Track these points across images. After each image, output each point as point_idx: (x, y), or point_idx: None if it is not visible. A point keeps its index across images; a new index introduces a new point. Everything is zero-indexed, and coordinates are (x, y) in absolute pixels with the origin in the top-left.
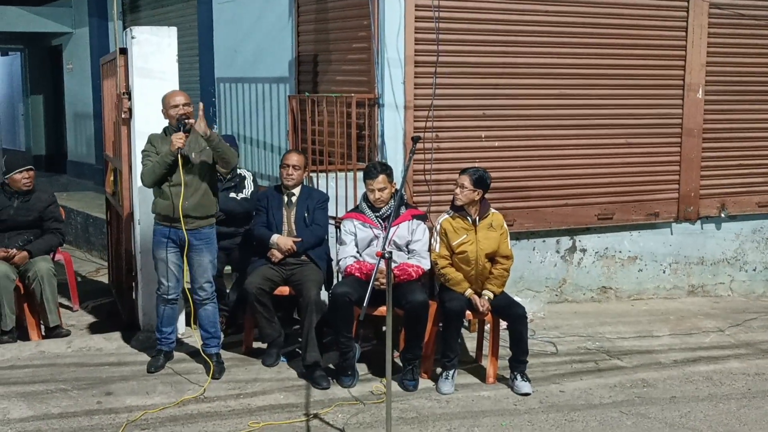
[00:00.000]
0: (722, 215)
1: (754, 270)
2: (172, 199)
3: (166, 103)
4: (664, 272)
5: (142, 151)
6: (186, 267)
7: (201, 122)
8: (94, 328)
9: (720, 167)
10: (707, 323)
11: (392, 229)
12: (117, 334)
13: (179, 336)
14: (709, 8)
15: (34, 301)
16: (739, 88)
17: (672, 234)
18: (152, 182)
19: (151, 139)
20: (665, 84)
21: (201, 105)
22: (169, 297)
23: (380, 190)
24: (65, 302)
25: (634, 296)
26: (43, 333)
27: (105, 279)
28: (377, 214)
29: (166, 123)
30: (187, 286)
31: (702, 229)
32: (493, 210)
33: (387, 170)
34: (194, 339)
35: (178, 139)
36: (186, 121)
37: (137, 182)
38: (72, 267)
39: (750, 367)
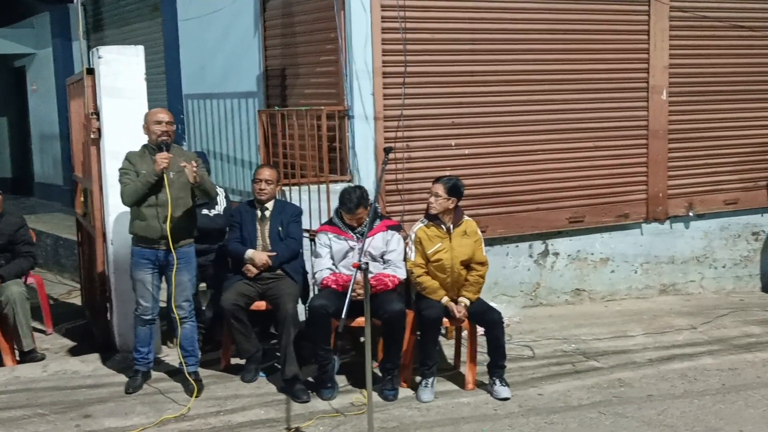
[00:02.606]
0: (690, 214)
1: (723, 267)
2: (150, 221)
3: (150, 119)
4: (635, 272)
5: (120, 169)
6: (163, 286)
7: (190, 175)
8: (69, 351)
9: (686, 167)
10: (680, 321)
11: (367, 240)
12: (93, 356)
13: (156, 356)
14: (670, 11)
15: (7, 325)
16: (702, 89)
17: (642, 234)
18: (133, 202)
19: (129, 157)
20: (630, 87)
21: (194, 162)
22: (147, 317)
23: (358, 219)
24: (39, 326)
25: (607, 297)
26: (18, 358)
27: (78, 301)
28: None
29: (135, 142)
30: (163, 305)
31: (671, 228)
32: (466, 217)
33: (363, 201)
34: (171, 358)
35: (163, 159)
36: (165, 139)
37: (109, 202)
38: (44, 290)
39: (723, 363)
